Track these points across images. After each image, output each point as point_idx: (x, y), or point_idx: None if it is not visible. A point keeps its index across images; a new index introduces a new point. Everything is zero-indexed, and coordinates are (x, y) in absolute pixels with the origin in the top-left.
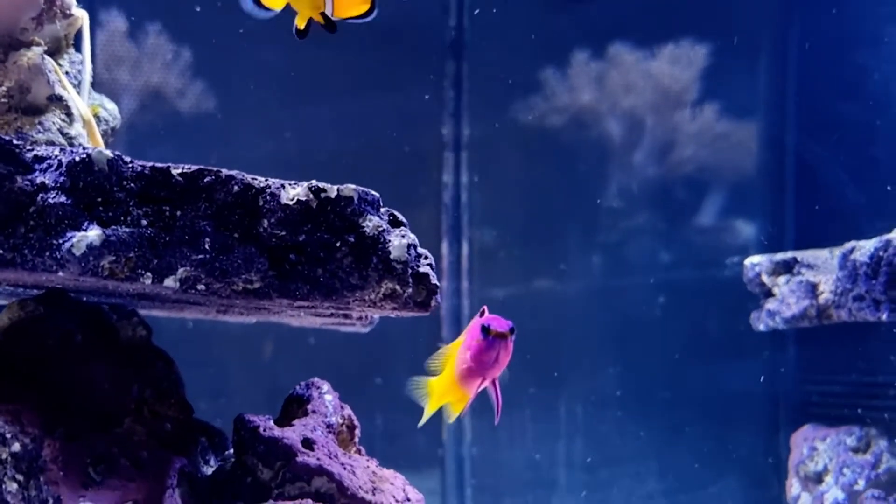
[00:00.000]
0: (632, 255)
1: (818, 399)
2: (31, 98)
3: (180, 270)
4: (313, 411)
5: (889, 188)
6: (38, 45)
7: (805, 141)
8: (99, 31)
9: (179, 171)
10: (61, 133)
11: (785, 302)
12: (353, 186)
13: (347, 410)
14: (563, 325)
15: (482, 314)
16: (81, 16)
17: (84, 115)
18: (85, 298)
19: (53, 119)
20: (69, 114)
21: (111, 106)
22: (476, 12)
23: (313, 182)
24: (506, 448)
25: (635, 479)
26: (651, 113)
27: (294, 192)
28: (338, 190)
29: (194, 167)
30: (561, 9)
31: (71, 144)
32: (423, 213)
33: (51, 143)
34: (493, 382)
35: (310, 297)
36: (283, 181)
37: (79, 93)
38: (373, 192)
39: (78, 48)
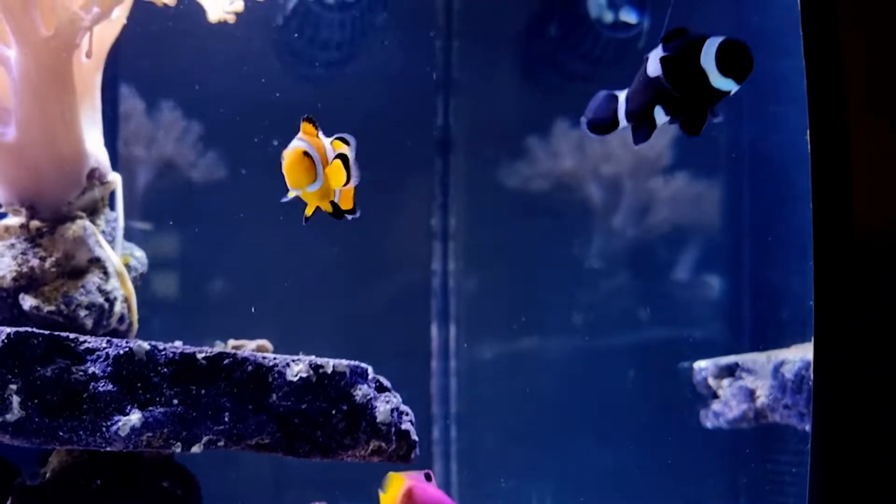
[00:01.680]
0: (610, 316)
1: (770, 481)
2: (74, 263)
3: (204, 438)
4: None
5: None
6: (81, 217)
7: (759, 203)
8: (119, 109)
9: (203, 355)
10: (100, 290)
11: (727, 405)
12: (345, 363)
13: None
14: (546, 394)
15: (428, 478)
16: (115, 180)
17: (118, 269)
18: None
19: (93, 279)
20: (106, 271)
21: (139, 254)
22: (461, 110)
23: (313, 359)
24: None
25: None
26: (629, 178)
27: (297, 368)
28: (333, 366)
29: (215, 351)
30: (539, 99)
31: (108, 299)
32: (414, 299)
33: (93, 304)
34: None
35: (310, 455)
36: (288, 358)
37: (112, 247)
38: (362, 365)
39: (112, 206)
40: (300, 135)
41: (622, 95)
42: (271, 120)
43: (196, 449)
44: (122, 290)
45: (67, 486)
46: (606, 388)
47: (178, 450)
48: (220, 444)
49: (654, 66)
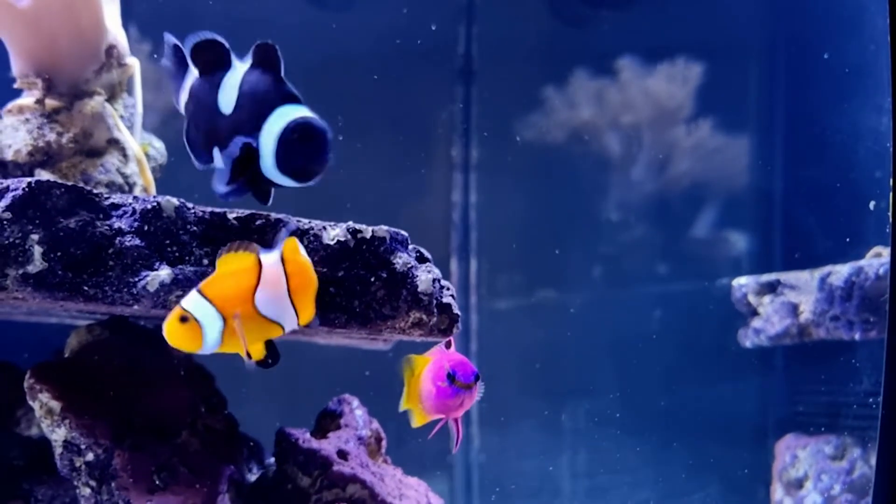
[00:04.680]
0: (630, 267)
1: (802, 409)
2: (93, 142)
3: None
4: (346, 425)
5: (872, 203)
6: (100, 94)
7: (791, 157)
8: None
9: (234, 215)
10: (119, 172)
11: (769, 321)
12: (385, 228)
13: (375, 424)
14: (565, 336)
15: (448, 346)
16: (133, 64)
17: (137, 155)
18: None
19: (112, 160)
20: (125, 154)
21: (159, 144)
22: (483, 38)
23: (351, 224)
24: (512, 455)
25: (632, 486)
26: (648, 129)
27: (334, 232)
28: (372, 231)
29: (247, 211)
30: (562, 30)
31: (127, 182)
32: (433, 232)
33: (112, 182)
34: (456, 420)
35: (347, 326)
36: (324, 223)
37: (132, 133)
38: (402, 232)
39: (130, 92)
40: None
41: (192, 76)
42: (287, 48)
43: None
44: (142, 179)
45: (87, 364)
46: (630, 327)
47: None
48: None
49: (227, 100)
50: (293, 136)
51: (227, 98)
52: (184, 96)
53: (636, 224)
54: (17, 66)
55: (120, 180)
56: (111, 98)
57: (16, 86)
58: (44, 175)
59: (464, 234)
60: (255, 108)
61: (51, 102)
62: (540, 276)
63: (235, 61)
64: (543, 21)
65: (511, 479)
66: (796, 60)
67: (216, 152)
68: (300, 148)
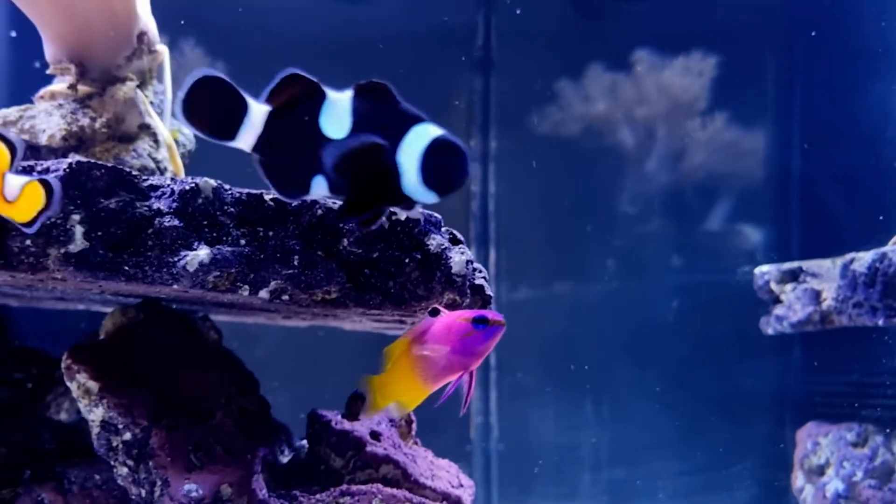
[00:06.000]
0: (647, 259)
1: (821, 398)
2: (125, 127)
3: (272, 283)
4: None
5: None
6: (132, 80)
7: (810, 148)
8: None
9: (271, 196)
10: (151, 157)
11: (791, 308)
12: (419, 209)
13: None
14: (583, 326)
15: (435, 314)
16: (163, 51)
17: (167, 141)
18: (175, 306)
19: (144, 146)
20: (156, 140)
21: (187, 131)
22: (502, 29)
23: None
24: (532, 444)
25: (651, 476)
26: (663, 122)
27: None
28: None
29: None
30: (581, 22)
31: (159, 167)
32: (453, 222)
33: (144, 167)
34: (471, 373)
35: (382, 307)
36: None
37: (161, 120)
38: (436, 215)
39: (160, 79)
40: None
41: (259, 112)
42: (306, 38)
43: (264, 294)
44: (172, 165)
45: (122, 345)
46: (649, 318)
47: (245, 293)
48: (286, 295)
49: (336, 126)
50: (440, 151)
51: (336, 124)
52: (250, 134)
53: (654, 215)
54: (50, 52)
55: (152, 165)
56: (141, 84)
57: (49, 71)
58: (78, 160)
59: (483, 223)
60: (383, 129)
61: (83, 88)
62: (559, 266)
63: (328, 91)
64: (562, 12)
65: (530, 469)
66: (815, 44)
67: (317, 181)
68: (448, 162)
